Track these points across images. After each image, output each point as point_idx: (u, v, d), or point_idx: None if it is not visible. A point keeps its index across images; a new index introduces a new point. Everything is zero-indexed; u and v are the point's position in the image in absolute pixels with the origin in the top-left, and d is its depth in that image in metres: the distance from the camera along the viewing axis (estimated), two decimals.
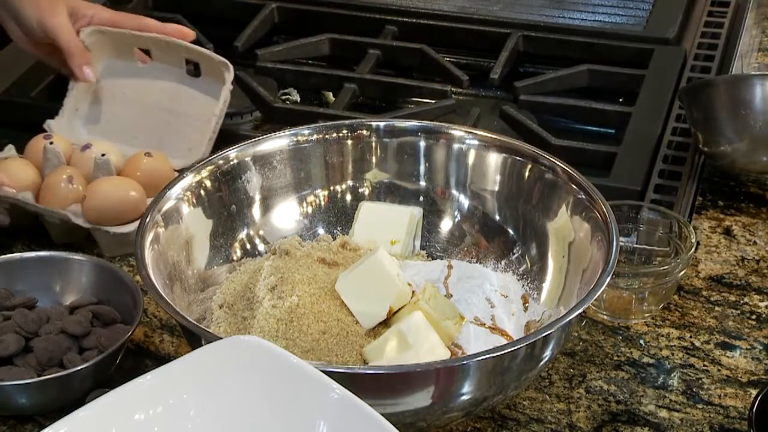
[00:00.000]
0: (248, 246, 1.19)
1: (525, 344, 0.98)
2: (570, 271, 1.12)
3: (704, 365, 1.13)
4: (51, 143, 1.32)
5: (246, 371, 0.90)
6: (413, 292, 1.08)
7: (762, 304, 1.20)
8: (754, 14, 1.68)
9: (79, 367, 1.05)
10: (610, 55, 1.57)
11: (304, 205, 1.22)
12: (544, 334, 0.98)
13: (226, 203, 1.18)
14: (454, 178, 1.22)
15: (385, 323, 1.08)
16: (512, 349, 0.97)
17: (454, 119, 1.43)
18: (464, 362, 0.97)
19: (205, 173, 1.17)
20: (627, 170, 1.33)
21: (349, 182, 1.23)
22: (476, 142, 1.21)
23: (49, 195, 1.28)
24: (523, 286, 1.16)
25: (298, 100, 1.54)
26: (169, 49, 1.40)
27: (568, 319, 0.99)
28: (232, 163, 1.19)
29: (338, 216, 1.23)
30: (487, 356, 0.96)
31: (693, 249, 1.17)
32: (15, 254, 1.19)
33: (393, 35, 1.63)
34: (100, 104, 1.43)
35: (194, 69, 1.40)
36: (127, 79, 1.42)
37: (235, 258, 1.18)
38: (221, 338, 0.94)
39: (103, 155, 1.30)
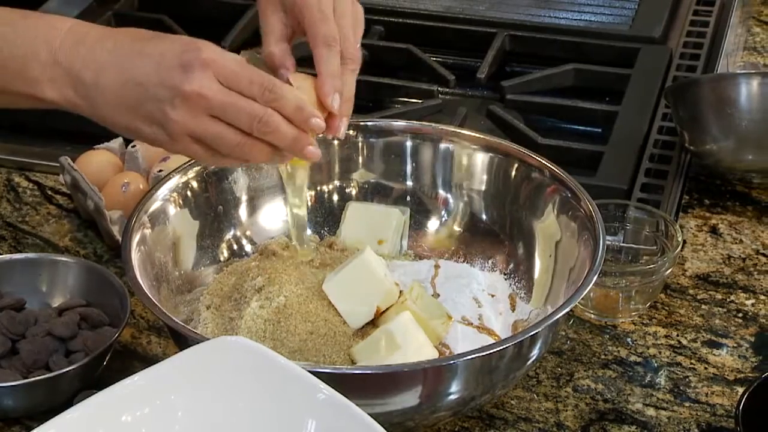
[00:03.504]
0: (235, 247, 1.19)
1: (512, 343, 0.98)
2: (557, 270, 1.12)
3: (691, 363, 1.13)
4: (133, 146, 1.30)
5: (233, 372, 0.90)
6: (400, 291, 1.08)
7: (748, 302, 1.20)
8: (739, 13, 1.68)
9: (66, 369, 1.05)
10: (596, 54, 1.57)
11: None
12: (531, 334, 0.98)
13: (212, 204, 1.18)
14: (441, 178, 1.22)
15: (373, 323, 1.08)
16: (499, 348, 0.97)
17: (441, 119, 1.43)
18: (452, 362, 0.97)
19: (191, 174, 1.17)
20: (613, 169, 1.34)
21: (336, 182, 1.23)
22: (463, 142, 1.21)
23: (107, 197, 1.26)
24: (511, 285, 1.16)
25: None
26: None
27: (555, 318, 0.99)
28: None
29: (325, 216, 1.22)
30: (475, 356, 0.96)
31: (679, 247, 1.17)
32: (3, 255, 1.19)
33: (379, 35, 1.63)
34: None
35: None
36: None
37: (222, 259, 1.18)
38: (208, 339, 0.94)
39: (133, 146, 1.29)
